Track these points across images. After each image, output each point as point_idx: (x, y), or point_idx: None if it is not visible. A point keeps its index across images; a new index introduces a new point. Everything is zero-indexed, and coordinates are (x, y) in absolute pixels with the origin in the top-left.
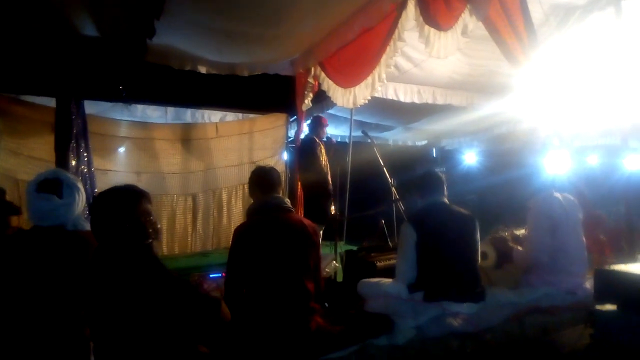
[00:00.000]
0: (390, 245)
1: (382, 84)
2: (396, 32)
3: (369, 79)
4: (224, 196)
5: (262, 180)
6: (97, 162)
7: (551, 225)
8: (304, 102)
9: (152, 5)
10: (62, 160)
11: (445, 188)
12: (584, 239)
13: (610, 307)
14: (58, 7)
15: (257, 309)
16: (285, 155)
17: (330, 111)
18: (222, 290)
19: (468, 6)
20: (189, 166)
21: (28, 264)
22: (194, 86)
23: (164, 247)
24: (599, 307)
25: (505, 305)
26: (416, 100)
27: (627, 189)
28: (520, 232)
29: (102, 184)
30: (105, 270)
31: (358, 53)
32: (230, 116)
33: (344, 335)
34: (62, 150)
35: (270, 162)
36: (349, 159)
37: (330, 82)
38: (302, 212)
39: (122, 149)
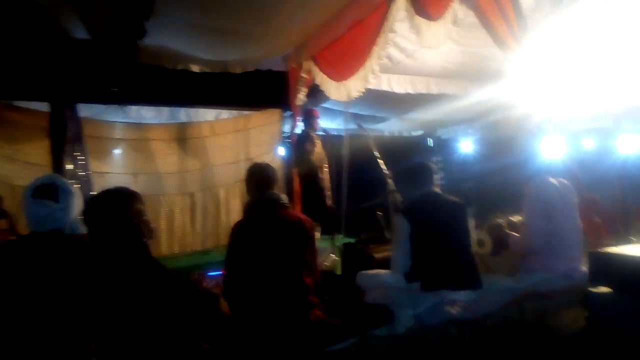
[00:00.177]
0: (388, 236)
1: (375, 75)
2: (387, 23)
3: (362, 71)
4: (222, 194)
5: (257, 177)
6: (93, 165)
7: (547, 210)
8: (297, 97)
9: (141, 7)
10: (58, 165)
11: (435, 178)
12: (580, 222)
13: (604, 289)
14: (47, 10)
15: (257, 305)
16: (281, 151)
17: (324, 105)
18: (222, 287)
19: None
20: (186, 165)
21: (28, 268)
22: (188, 85)
23: (164, 246)
24: (593, 289)
25: (502, 291)
26: (410, 91)
27: (622, 172)
28: (517, 218)
29: (99, 186)
30: (105, 271)
31: (350, 46)
32: (225, 114)
33: (344, 327)
34: (58, 155)
35: (266, 159)
36: (345, 152)
37: (323, 76)
38: (300, 207)
39: (117, 151)
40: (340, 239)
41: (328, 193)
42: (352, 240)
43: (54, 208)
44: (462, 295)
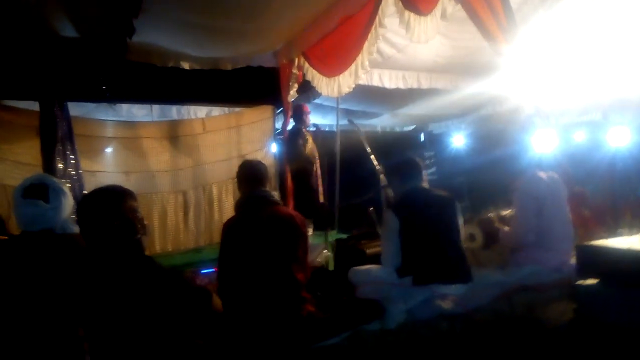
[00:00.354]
0: (380, 232)
1: (366, 71)
2: (377, 18)
3: (352, 67)
4: (214, 191)
5: (248, 174)
6: (84, 164)
7: (536, 204)
8: (289, 93)
9: (130, 4)
10: (48, 164)
11: (424, 173)
12: (569, 216)
13: (592, 281)
14: (36, 9)
15: (249, 301)
16: (274, 147)
17: (316, 101)
18: (215, 284)
19: None
20: (178, 163)
21: (20, 268)
22: (178, 82)
23: (157, 244)
24: (581, 281)
25: (493, 285)
26: (401, 86)
27: (611, 165)
28: (507, 212)
29: (91, 185)
30: (98, 269)
31: (340, 42)
32: (216, 111)
33: (336, 322)
34: (48, 154)
35: (258, 155)
36: (337, 147)
37: (314, 71)
38: (293, 204)
39: (109, 150)
40: (333, 235)
41: (320, 189)
42: (344, 236)
43: (45, 208)
44: (453, 289)
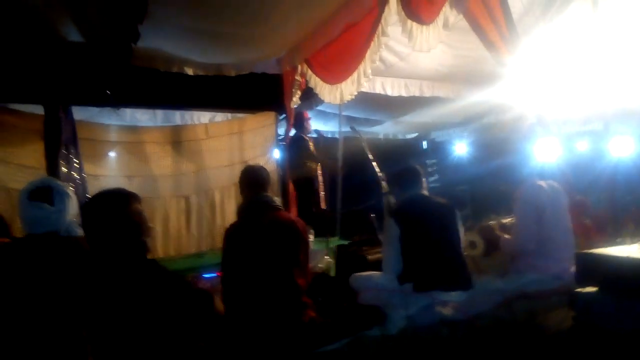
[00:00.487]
0: (381, 238)
1: (368, 79)
2: (379, 27)
3: (355, 74)
4: (217, 196)
5: (251, 179)
6: (88, 168)
7: (537, 213)
8: (292, 100)
9: (135, 10)
10: (52, 168)
11: (424, 181)
12: (570, 224)
13: (591, 289)
14: (42, 14)
15: (251, 306)
16: (276, 154)
17: (319, 108)
18: (218, 289)
19: None
20: (181, 168)
21: (25, 270)
22: (182, 88)
23: (159, 249)
24: (580, 289)
25: (493, 292)
26: (404, 94)
27: (613, 174)
28: (508, 220)
29: (94, 189)
30: (102, 271)
31: (343, 49)
32: (220, 116)
33: (337, 328)
34: (52, 158)
35: (261, 161)
36: (340, 154)
37: (317, 78)
38: (295, 209)
39: (112, 154)
40: (334, 241)
41: (322, 195)
42: (346, 242)
43: (50, 211)
44: (453, 296)
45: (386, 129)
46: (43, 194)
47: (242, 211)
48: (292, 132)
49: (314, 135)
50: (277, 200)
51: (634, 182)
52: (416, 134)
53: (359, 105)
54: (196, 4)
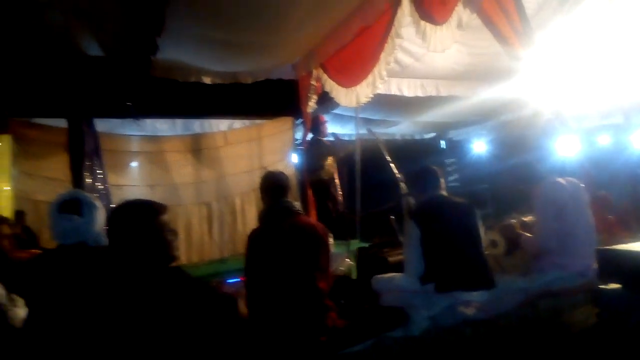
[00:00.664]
0: (401, 240)
1: (383, 81)
2: (393, 29)
3: (370, 77)
4: (237, 202)
5: (271, 185)
6: (111, 178)
7: (557, 210)
8: (308, 105)
9: (153, 24)
10: (77, 179)
11: (441, 181)
12: (592, 220)
13: (614, 285)
14: (63, 30)
15: (275, 309)
16: (294, 158)
17: (335, 111)
18: (242, 293)
19: None
20: (201, 175)
21: (59, 279)
22: (200, 97)
23: (182, 256)
24: (603, 286)
25: (516, 291)
26: (420, 94)
27: (636, 168)
28: (529, 218)
29: (118, 199)
30: (131, 280)
31: (357, 52)
32: (238, 123)
33: (360, 330)
34: (77, 169)
35: (279, 166)
36: (357, 157)
37: (333, 82)
38: (315, 213)
39: (134, 164)
40: (355, 244)
41: (340, 198)
42: (366, 244)
43: (79, 222)
44: (476, 296)
45: (403, 130)
46: (72, 206)
47: (263, 217)
48: (309, 136)
49: (331, 139)
50: (297, 205)
51: None
52: (434, 134)
53: (376, 106)
54: (212, 15)
